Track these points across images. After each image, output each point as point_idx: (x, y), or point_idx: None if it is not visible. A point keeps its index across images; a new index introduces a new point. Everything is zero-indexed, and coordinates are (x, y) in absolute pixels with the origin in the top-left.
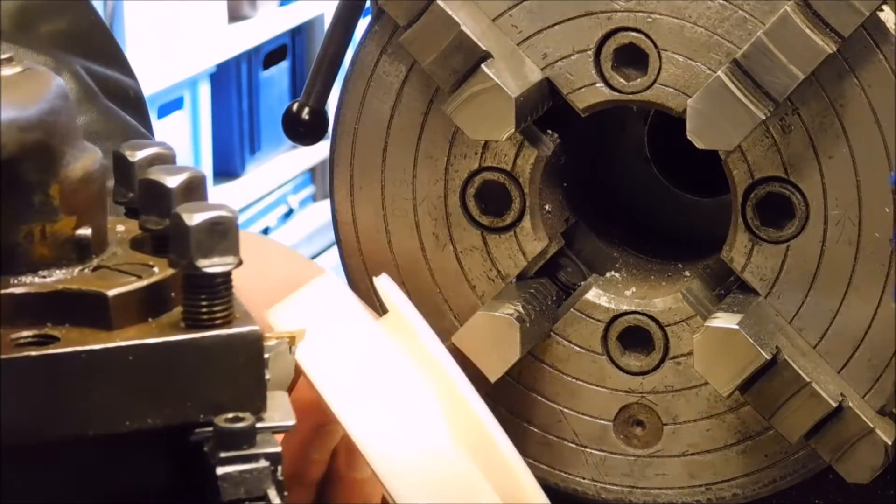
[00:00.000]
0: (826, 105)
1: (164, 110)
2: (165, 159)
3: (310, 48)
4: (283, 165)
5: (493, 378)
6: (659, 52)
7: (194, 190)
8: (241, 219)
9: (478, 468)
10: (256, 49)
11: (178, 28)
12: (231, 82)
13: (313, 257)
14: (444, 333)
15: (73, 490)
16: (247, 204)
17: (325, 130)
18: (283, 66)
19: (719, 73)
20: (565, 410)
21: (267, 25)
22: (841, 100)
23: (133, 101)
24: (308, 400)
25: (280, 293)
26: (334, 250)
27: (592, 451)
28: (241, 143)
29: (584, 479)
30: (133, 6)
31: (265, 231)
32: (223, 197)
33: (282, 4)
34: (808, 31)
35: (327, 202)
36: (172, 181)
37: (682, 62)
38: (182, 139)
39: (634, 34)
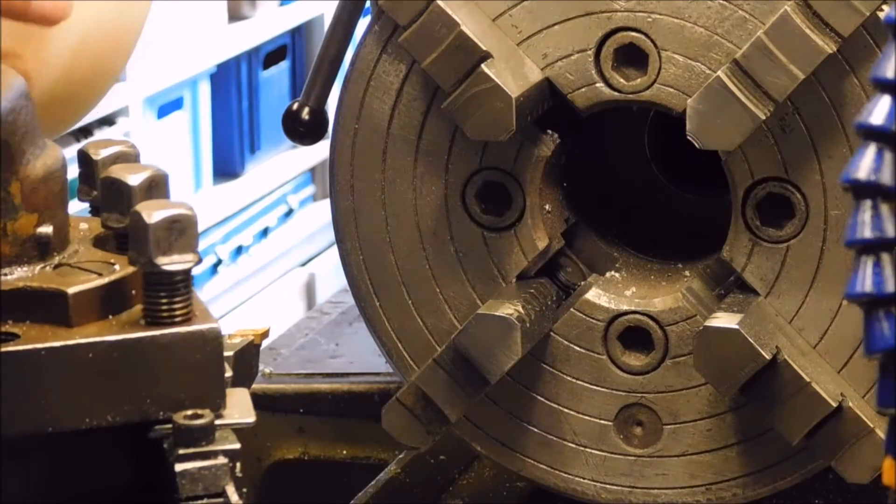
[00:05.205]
0: (826, 105)
1: (164, 110)
2: (129, 158)
3: (310, 48)
4: (283, 165)
5: (493, 378)
6: (659, 52)
7: (156, 188)
8: (241, 218)
9: None
10: (256, 49)
11: (178, 28)
12: (231, 82)
13: (313, 257)
14: (445, 333)
15: (32, 486)
16: (247, 204)
17: (325, 130)
18: (283, 66)
19: (719, 73)
20: (565, 410)
21: (267, 25)
22: (841, 100)
23: None
24: None
25: None
26: (334, 250)
27: (592, 451)
28: (241, 143)
29: (584, 479)
30: None
31: (265, 231)
32: (223, 197)
33: (282, 4)
34: (808, 31)
35: (327, 202)
36: (134, 179)
37: (682, 62)
38: (182, 139)
39: (634, 34)
